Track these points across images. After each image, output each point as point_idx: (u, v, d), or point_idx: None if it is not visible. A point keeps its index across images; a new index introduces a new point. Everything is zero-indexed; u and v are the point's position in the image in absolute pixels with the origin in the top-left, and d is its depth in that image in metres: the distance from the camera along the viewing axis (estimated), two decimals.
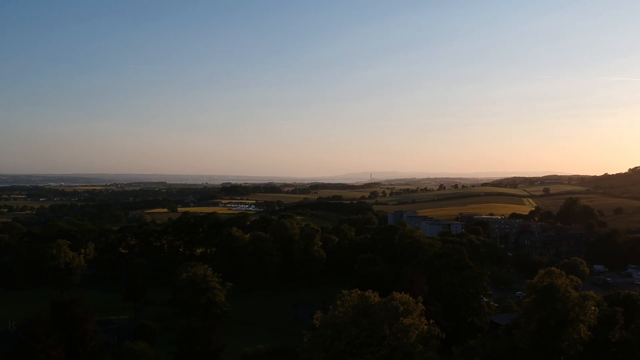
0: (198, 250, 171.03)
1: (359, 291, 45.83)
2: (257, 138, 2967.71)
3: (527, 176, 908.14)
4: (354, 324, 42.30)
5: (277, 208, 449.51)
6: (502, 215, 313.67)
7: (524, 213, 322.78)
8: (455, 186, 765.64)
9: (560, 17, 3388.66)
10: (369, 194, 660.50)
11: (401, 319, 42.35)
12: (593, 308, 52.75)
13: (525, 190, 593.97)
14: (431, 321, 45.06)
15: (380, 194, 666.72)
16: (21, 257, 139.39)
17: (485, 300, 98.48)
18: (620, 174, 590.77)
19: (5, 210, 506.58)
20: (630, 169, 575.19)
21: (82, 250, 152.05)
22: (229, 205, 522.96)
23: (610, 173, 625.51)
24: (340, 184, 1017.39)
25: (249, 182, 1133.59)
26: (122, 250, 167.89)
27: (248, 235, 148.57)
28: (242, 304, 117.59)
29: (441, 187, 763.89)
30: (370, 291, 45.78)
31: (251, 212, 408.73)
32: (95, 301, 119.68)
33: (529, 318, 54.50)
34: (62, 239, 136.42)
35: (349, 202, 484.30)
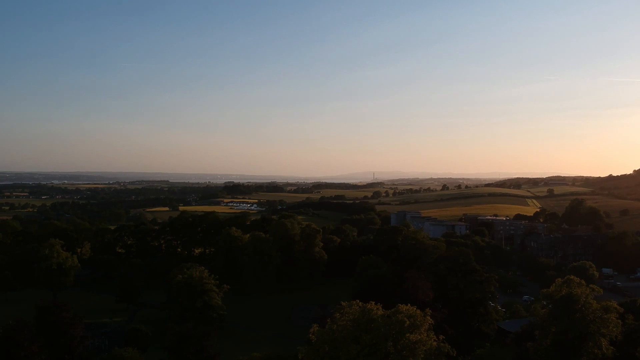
0: (196, 251, 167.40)
1: (360, 303, 41.61)
2: (260, 137, 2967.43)
3: (530, 177, 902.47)
4: (355, 340, 38.17)
5: (279, 207, 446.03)
6: (507, 216, 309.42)
7: (529, 214, 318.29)
8: (459, 186, 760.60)
9: (565, 18, 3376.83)
10: (371, 193, 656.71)
11: (407, 334, 38.17)
12: (616, 321, 48.53)
13: (529, 191, 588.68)
14: (441, 337, 40.90)
15: (383, 194, 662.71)
16: (14, 256, 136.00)
17: (492, 305, 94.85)
18: (624, 175, 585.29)
19: (7, 208, 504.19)
20: (634, 170, 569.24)
21: (78, 250, 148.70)
22: (230, 204, 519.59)
23: (614, 174, 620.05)
24: (343, 183, 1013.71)
25: (251, 181, 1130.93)
26: (119, 250, 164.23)
27: (247, 235, 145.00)
28: (240, 307, 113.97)
29: (444, 187, 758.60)
30: (373, 303, 41.54)
31: (253, 211, 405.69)
32: (89, 303, 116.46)
33: (545, 330, 50.36)
34: (57, 238, 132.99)
35: (351, 202, 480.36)
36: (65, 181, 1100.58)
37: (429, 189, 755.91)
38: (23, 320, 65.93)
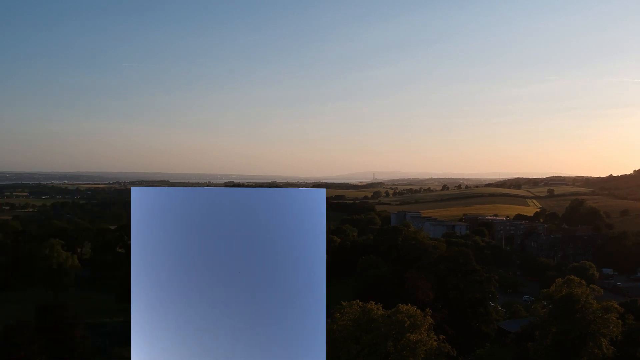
0: None
1: (360, 303, 41.72)
2: (260, 137, 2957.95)
3: (530, 177, 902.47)
4: (355, 339, 38.27)
5: None
6: (507, 216, 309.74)
7: (529, 214, 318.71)
8: (459, 186, 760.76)
9: (565, 18, 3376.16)
10: (371, 193, 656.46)
11: (407, 334, 38.25)
12: (616, 321, 48.65)
13: (529, 191, 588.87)
14: (441, 337, 41.01)
15: (383, 194, 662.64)
16: (14, 256, 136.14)
17: (492, 305, 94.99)
18: (625, 175, 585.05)
19: (7, 207, 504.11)
20: (635, 170, 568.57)
21: (78, 250, 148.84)
22: None
23: (614, 174, 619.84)
24: (343, 183, 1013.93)
25: (252, 181, 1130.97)
26: (120, 250, 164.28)
27: None
28: None
29: (444, 187, 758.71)
30: (373, 303, 41.63)
31: None
32: (90, 303, 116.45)
33: (545, 331, 50.47)
34: (58, 238, 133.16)
35: (351, 202, 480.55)
36: (66, 181, 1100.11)
37: (429, 189, 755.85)
38: (23, 320, 66.16)
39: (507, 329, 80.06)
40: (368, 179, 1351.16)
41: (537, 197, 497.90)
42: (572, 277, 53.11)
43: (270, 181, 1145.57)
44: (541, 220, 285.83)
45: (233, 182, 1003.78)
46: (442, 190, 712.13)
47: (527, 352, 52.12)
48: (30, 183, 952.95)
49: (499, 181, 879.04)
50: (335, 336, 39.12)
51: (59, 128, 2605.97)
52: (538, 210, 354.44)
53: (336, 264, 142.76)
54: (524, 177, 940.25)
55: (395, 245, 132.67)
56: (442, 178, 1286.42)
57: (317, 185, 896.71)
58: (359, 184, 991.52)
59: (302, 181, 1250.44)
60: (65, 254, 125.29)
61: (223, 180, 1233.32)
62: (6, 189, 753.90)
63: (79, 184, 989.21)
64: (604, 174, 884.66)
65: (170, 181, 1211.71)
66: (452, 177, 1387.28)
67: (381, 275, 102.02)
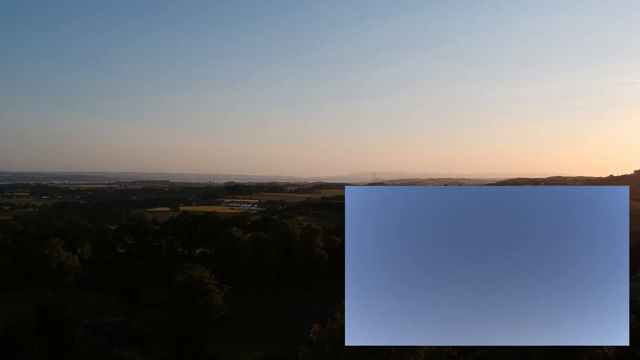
0: (197, 251, 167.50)
1: None
2: (260, 137, 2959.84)
3: (531, 177, 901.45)
4: None
5: (279, 207, 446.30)
6: None
7: None
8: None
9: (565, 18, 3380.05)
10: None
11: None
12: None
13: None
14: None
15: None
16: (14, 256, 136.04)
17: None
18: (625, 175, 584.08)
19: (8, 208, 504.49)
20: (635, 171, 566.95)
21: (79, 250, 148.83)
22: (231, 204, 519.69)
23: (615, 174, 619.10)
24: (344, 183, 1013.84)
25: (252, 181, 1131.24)
26: (120, 250, 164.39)
27: (248, 235, 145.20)
28: (241, 307, 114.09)
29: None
30: None
31: (253, 211, 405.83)
32: (90, 303, 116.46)
33: None
34: (58, 238, 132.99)
35: None
36: (66, 181, 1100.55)
37: None
38: (23, 320, 66.04)
39: None
40: (368, 179, 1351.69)
41: None
42: None
43: (270, 181, 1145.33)
44: None
45: (233, 182, 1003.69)
46: None
47: (529, 352, 51.95)
48: (31, 183, 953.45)
49: (500, 181, 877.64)
50: (336, 336, 38.94)
51: (59, 128, 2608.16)
52: None
53: (337, 264, 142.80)
54: (524, 177, 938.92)
55: None
56: (443, 178, 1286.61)
57: (318, 185, 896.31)
58: (360, 184, 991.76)
59: (303, 181, 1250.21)
60: (66, 254, 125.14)
61: (224, 180, 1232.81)
62: (7, 189, 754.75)
63: (79, 184, 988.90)
64: (604, 174, 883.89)
65: (171, 181, 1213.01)
66: (453, 177, 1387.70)
67: None
